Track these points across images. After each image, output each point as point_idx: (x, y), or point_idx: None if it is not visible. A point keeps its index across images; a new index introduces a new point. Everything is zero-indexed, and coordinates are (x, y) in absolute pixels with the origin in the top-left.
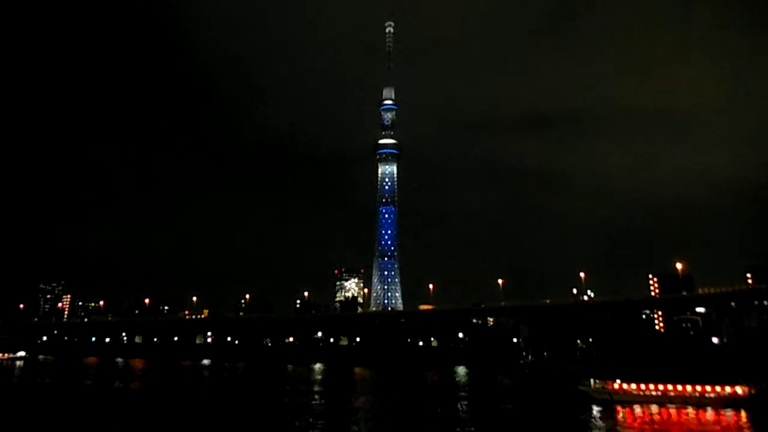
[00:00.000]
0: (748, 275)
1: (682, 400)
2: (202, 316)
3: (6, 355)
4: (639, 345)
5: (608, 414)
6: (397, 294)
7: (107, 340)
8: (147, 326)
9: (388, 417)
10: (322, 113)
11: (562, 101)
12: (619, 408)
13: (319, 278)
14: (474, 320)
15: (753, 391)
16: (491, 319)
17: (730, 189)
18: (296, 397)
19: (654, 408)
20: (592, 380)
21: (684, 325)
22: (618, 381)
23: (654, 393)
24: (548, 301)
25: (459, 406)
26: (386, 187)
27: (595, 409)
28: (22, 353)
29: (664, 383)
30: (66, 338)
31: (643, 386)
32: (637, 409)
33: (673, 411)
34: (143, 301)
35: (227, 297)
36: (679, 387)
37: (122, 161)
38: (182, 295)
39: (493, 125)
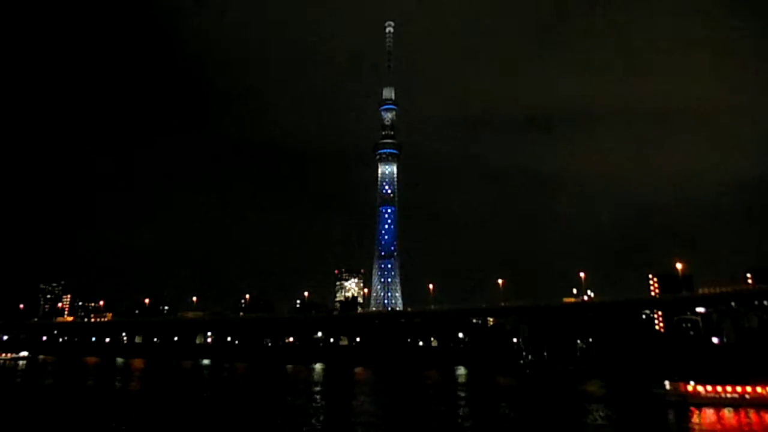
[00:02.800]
0: (748, 275)
1: (761, 403)
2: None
3: (9, 355)
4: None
5: (683, 417)
6: (397, 294)
7: (107, 340)
8: (147, 326)
9: (388, 417)
10: (322, 113)
11: (562, 101)
12: (694, 411)
13: (319, 278)
14: (474, 320)
15: None
16: (491, 319)
17: (731, 189)
18: (296, 397)
19: (731, 411)
20: (666, 382)
21: (684, 325)
22: (692, 383)
23: (730, 395)
24: (548, 301)
25: (462, 406)
26: (386, 187)
27: (670, 413)
28: (24, 353)
29: (742, 385)
30: (66, 338)
31: (719, 388)
32: (713, 412)
33: (752, 414)
34: (143, 301)
35: (227, 297)
36: (759, 389)
37: (122, 161)
38: (182, 295)
39: (493, 125)
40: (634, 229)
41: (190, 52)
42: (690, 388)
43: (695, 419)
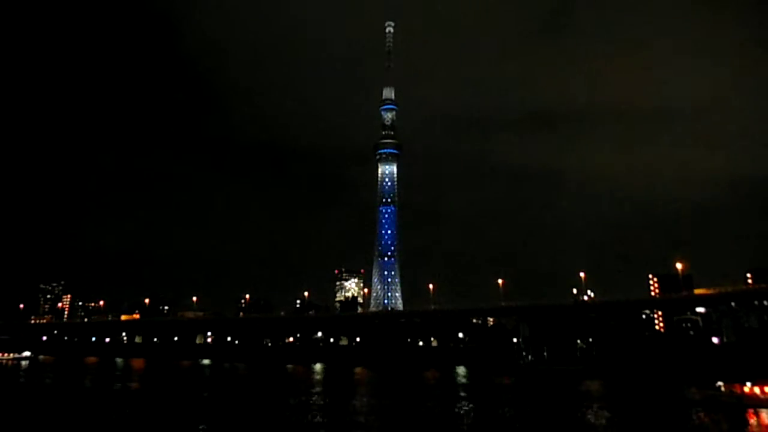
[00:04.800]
0: (748, 275)
1: None
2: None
3: (11, 355)
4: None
5: (739, 421)
6: (397, 294)
7: (107, 340)
8: (147, 326)
9: (388, 417)
10: (322, 113)
11: (562, 101)
12: (751, 413)
13: (319, 278)
14: (474, 320)
15: None
16: (491, 319)
17: (730, 189)
18: (296, 397)
19: None
20: (719, 383)
21: (684, 325)
22: (748, 384)
23: None
24: (548, 301)
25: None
26: (386, 187)
27: (724, 416)
28: (27, 353)
29: None
30: (66, 338)
31: None
32: None
33: None
34: (143, 301)
35: (227, 297)
36: None
37: (121, 161)
38: (182, 295)
39: (493, 125)
40: (634, 229)
41: (190, 52)
42: (746, 389)
43: (753, 422)
